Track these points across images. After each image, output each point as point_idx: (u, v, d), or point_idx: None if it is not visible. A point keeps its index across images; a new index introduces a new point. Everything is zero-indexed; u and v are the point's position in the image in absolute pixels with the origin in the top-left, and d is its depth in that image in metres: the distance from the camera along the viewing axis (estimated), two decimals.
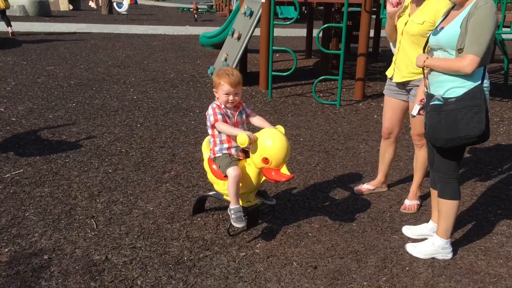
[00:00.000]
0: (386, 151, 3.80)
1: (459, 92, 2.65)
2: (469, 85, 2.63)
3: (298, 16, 13.46)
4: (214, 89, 3.09)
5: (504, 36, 8.20)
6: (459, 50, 2.60)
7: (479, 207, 3.67)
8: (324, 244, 3.10)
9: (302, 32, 13.59)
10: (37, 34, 12.50)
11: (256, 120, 3.16)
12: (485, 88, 2.66)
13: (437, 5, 3.18)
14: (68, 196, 3.63)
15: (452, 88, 2.66)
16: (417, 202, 3.61)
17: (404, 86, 3.47)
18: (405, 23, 3.35)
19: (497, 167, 4.47)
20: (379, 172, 3.88)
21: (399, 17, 3.43)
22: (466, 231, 3.31)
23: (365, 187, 3.88)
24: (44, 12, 17.66)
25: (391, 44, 3.51)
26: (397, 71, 3.47)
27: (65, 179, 3.91)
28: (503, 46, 8.04)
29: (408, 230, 3.26)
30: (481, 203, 3.73)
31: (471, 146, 2.76)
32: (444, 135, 2.67)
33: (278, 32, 14.93)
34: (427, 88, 2.87)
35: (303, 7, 16.01)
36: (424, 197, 3.76)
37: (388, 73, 3.59)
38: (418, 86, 3.30)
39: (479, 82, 2.63)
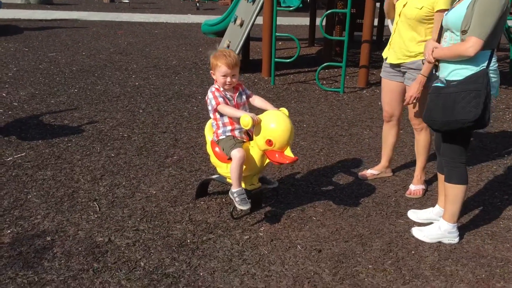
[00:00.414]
0: (388, 134, 3.77)
1: (463, 74, 2.60)
2: (473, 68, 2.58)
3: (301, 5, 13.35)
4: (211, 71, 3.04)
5: (510, 23, 8.12)
6: (463, 32, 2.55)
7: (485, 192, 3.64)
8: (329, 228, 3.07)
9: (305, 20, 13.47)
10: (39, 21, 12.42)
11: (259, 101, 3.12)
12: (491, 72, 2.60)
13: None
14: (70, 179, 3.60)
15: (456, 69, 2.62)
16: (422, 186, 3.57)
17: (399, 67, 3.45)
18: (404, 5, 3.30)
19: (503, 154, 4.43)
20: (383, 157, 3.85)
21: None
22: (473, 216, 3.28)
23: (369, 172, 3.84)
24: (46, 0, 17.56)
25: (389, 21, 3.47)
26: (392, 52, 3.45)
27: (67, 163, 3.88)
28: (509, 34, 7.95)
29: (413, 214, 3.24)
30: (487, 189, 3.70)
31: (469, 131, 2.69)
32: (440, 118, 2.64)
33: (280, 20, 14.77)
34: (435, 70, 2.82)
35: None
36: (429, 182, 3.73)
37: (384, 54, 3.57)
38: (412, 69, 3.30)
39: (484, 66, 2.57)
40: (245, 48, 8.16)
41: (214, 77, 3.03)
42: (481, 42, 2.50)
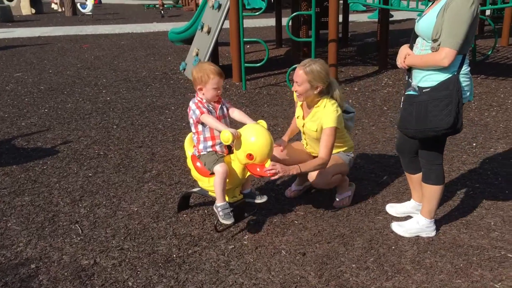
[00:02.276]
0: None
1: (435, 79, 2.66)
2: (444, 73, 2.64)
3: (261, 6, 13.28)
4: (198, 87, 3.01)
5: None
6: (434, 40, 2.61)
7: (457, 182, 3.77)
8: (311, 230, 3.14)
9: (271, 21, 13.57)
10: (1, 40, 12.19)
11: (237, 114, 3.14)
12: (462, 76, 2.66)
13: (323, 114, 3.14)
14: (49, 203, 3.58)
15: (427, 75, 2.69)
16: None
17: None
18: (303, 125, 3.38)
19: (471, 142, 4.59)
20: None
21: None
22: (447, 206, 3.40)
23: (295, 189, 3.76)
24: (5, 17, 17.20)
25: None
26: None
27: (44, 186, 3.85)
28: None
29: (391, 209, 3.34)
30: (459, 179, 3.83)
31: (444, 137, 2.79)
32: (414, 127, 2.73)
33: (247, 23, 14.85)
34: (408, 76, 2.88)
35: None
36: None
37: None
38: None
39: (455, 71, 2.63)
40: (214, 54, 8.20)
41: (201, 92, 3.02)
42: (454, 53, 2.54)
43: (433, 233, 3.01)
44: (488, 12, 12.67)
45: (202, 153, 3.07)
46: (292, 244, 2.98)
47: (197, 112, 2.95)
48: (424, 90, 2.69)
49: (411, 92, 2.76)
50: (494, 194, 3.56)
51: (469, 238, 2.99)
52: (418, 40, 2.79)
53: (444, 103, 2.61)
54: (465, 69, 2.67)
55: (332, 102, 3.17)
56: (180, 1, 26.52)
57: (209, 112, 3.00)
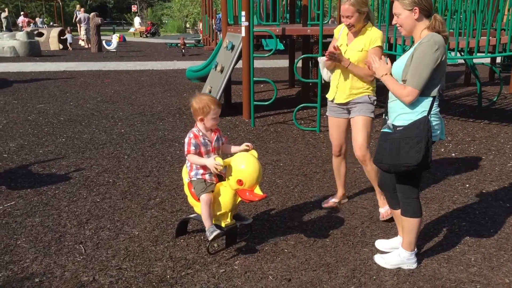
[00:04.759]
0: (339, 167, 4.20)
1: (407, 119, 2.91)
2: (415, 115, 2.89)
3: (279, 48, 13.66)
4: (199, 117, 3.26)
5: (475, 60, 8.62)
6: (403, 81, 2.90)
7: (445, 220, 3.92)
8: (299, 258, 3.31)
9: (285, 63, 14.01)
10: (28, 73, 12.82)
11: (232, 148, 3.46)
12: (432, 116, 2.90)
13: (372, 35, 3.67)
14: (58, 224, 3.83)
15: (400, 114, 2.95)
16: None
17: (345, 105, 3.88)
18: (344, 52, 3.77)
19: (465, 184, 4.74)
20: (339, 187, 4.27)
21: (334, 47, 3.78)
22: (432, 242, 3.54)
23: (331, 201, 4.24)
24: (34, 52, 18.04)
25: (324, 70, 3.94)
26: (340, 93, 3.88)
27: (55, 209, 4.11)
28: (475, 70, 8.43)
29: (380, 244, 3.49)
30: (447, 217, 3.98)
31: (414, 173, 3.00)
32: (387, 161, 2.96)
33: (262, 63, 15.39)
34: (385, 114, 3.16)
35: (283, 40, 16.54)
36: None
37: (329, 96, 4.00)
38: (359, 103, 3.79)
39: (425, 113, 2.88)
40: (227, 92, 8.56)
41: (202, 122, 3.28)
42: (417, 92, 2.83)
43: (414, 265, 3.16)
44: (498, 60, 12.91)
45: (192, 179, 3.33)
46: (279, 271, 3.16)
47: (185, 149, 3.28)
48: (398, 128, 2.93)
49: (386, 130, 3.01)
50: (479, 232, 3.69)
51: (448, 272, 3.13)
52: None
53: (414, 141, 2.83)
54: (435, 109, 2.92)
55: (376, 28, 3.75)
56: (201, 41, 27.39)
57: (203, 145, 3.28)
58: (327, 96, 4.04)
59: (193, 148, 3.25)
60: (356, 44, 3.74)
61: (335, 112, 4.00)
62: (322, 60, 3.93)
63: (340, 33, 3.91)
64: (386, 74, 3.04)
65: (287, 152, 5.85)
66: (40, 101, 8.96)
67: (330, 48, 3.81)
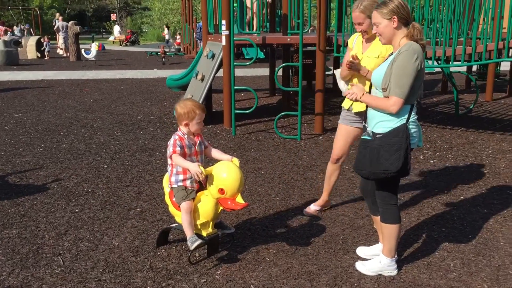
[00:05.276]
0: (332, 174, 4.22)
1: (386, 126, 2.95)
2: (394, 122, 2.93)
3: (260, 57, 13.71)
4: (184, 122, 3.26)
5: (452, 69, 8.78)
6: (383, 89, 2.93)
7: (424, 226, 3.96)
8: (280, 267, 3.31)
9: (266, 71, 14.07)
10: (5, 82, 12.61)
11: (214, 153, 3.44)
12: (410, 124, 2.95)
13: None
14: (35, 236, 3.76)
15: (380, 121, 2.98)
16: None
17: (362, 114, 3.80)
18: (360, 60, 3.72)
19: (443, 190, 4.80)
20: (324, 192, 4.27)
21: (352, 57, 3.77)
22: (412, 248, 3.57)
23: (313, 208, 4.24)
24: (11, 61, 17.78)
25: (341, 82, 3.93)
26: (358, 102, 3.82)
27: (32, 221, 4.04)
28: (451, 78, 8.59)
29: (361, 251, 3.51)
30: (427, 223, 4.02)
31: (393, 180, 3.04)
32: (367, 168, 2.99)
33: (243, 72, 15.42)
34: (364, 122, 3.18)
35: (264, 48, 16.62)
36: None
37: (345, 104, 3.95)
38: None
39: (404, 120, 2.93)
40: (208, 100, 8.54)
41: (187, 127, 3.27)
42: (401, 101, 2.87)
43: (394, 272, 3.19)
44: (474, 68, 13.18)
45: (173, 186, 3.31)
46: (261, 280, 3.15)
47: (171, 149, 3.23)
48: (377, 136, 2.96)
49: (366, 137, 3.04)
50: (457, 238, 3.74)
51: (428, 278, 3.16)
52: (372, 89, 3.10)
53: (394, 148, 2.87)
54: (413, 117, 2.96)
55: None
56: (182, 50, 27.34)
57: (187, 148, 3.26)
58: (342, 105, 4.00)
59: (179, 148, 3.22)
60: (372, 52, 3.72)
61: (348, 120, 3.97)
62: (337, 72, 3.94)
63: (354, 42, 3.89)
64: (363, 94, 3.07)
65: (269, 161, 5.86)
66: (17, 111, 8.81)
67: (346, 58, 3.80)
